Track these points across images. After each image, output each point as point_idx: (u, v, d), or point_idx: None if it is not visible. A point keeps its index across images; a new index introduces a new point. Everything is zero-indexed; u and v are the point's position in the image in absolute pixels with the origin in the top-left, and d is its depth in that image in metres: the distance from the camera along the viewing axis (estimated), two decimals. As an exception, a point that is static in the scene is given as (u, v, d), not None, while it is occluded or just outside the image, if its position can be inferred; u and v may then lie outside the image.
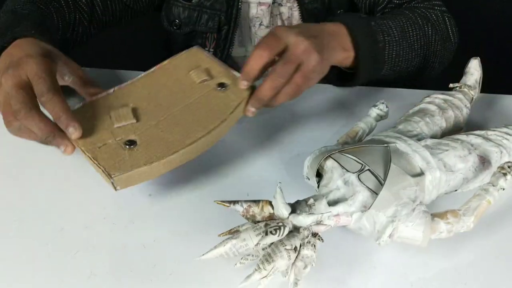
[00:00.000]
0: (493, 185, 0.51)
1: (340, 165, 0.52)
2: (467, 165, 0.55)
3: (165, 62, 0.64)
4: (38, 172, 0.61)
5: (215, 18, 0.87)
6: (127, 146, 0.54)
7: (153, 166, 0.53)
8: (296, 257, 0.46)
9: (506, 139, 0.59)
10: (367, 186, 0.50)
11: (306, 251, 0.46)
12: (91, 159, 0.53)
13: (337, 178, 0.52)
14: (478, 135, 0.58)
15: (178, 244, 0.53)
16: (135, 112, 0.57)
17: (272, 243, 0.47)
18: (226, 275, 0.50)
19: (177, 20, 0.90)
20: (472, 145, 0.57)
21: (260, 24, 0.89)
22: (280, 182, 0.49)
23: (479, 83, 0.71)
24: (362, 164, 0.52)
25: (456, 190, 0.56)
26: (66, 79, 0.60)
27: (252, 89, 0.60)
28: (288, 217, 0.48)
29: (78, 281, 0.49)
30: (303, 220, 0.48)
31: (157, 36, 1.03)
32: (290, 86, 0.59)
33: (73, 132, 0.54)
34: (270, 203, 0.49)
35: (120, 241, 0.53)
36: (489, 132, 0.59)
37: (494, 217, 0.57)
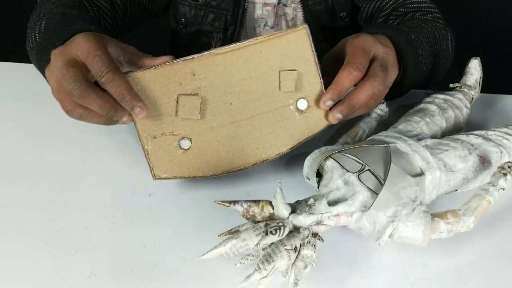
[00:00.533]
0: (493, 185, 0.51)
1: (340, 165, 0.52)
2: (467, 165, 0.55)
3: (263, 38, 0.55)
4: (38, 172, 0.61)
5: (221, 18, 0.88)
6: (180, 148, 0.54)
7: (196, 177, 0.55)
8: (296, 257, 0.46)
9: (506, 139, 0.59)
10: (367, 186, 0.50)
11: (306, 251, 0.46)
12: (143, 148, 0.54)
13: (337, 178, 0.52)
14: (478, 135, 0.58)
15: (178, 244, 0.53)
16: (203, 104, 0.54)
17: (272, 243, 0.47)
18: (226, 275, 0.50)
19: (183, 19, 0.90)
20: (472, 145, 0.57)
21: (265, 25, 0.90)
22: (280, 182, 0.49)
23: (479, 83, 0.71)
24: (362, 164, 0.52)
25: (456, 190, 0.56)
26: (121, 60, 0.55)
27: (325, 125, 0.57)
28: (288, 217, 0.48)
29: (78, 281, 0.49)
30: (303, 220, 0.48)
31: (162, 35, 1.04)
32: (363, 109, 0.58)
33: (140, 112, 0.51)
34: (270, 203, 0.49)
35: (120, 241, 0.53)
36: (489, 132, 0.59)
37: (494, 217, 0.57)
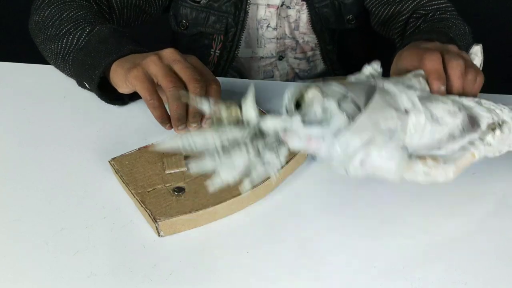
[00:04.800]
0: (480, 139, 0.49)
1: (322, 93, 0.49)
2: (455, 121, 0.52)
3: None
4: (38, 172, 0.60)
5: (222, 20, 0.88)
6: (175, 193, 0.55)
7: (198, 214, 0.53)
8: (259, 161, 0.44)
9: (500, 109, 0.56)
10: (346, 113, 0.47)
11: (269, 156, 0.44)
12: (139, 202, 0.54)
13: (316, 106, 0.49)
14: (472, 100, 0.56)
15: (178, 244, 0.53)
16: (187, 160, 0.58)
17: (234, 141, 0.45)
18: (226, 275, 0.50)
19: (184, 21, 0.90)
20: (463, 105, 0.54)
21: (268, 26, 0.90)
22: (252, 86, 0.47)
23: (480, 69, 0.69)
24: (345, 93, 0.49)
25: (439, 149, 0.53)
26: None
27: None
28: (256, 121, 0.46)
29: (78, 281, 0.49)
30: (270, 122, 0.45)
31: (162, 37, 1.03)
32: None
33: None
34: (240, 106, 0.47)
35: (120, 241, 0.53)
36: (484, 101, 0.56)
37: (494, 217, 0.57)
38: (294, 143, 0.46)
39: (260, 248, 0.52)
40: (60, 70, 0.74)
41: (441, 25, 0.78)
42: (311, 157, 0.50)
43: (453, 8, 0.83)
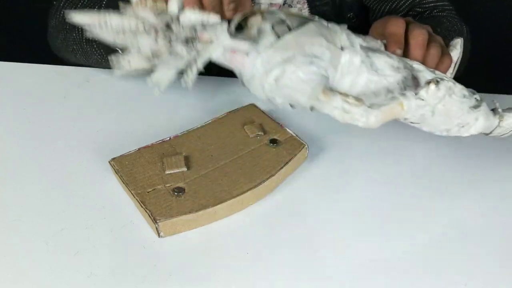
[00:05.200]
0: (414, 92, 0.48)
1: (262, 18, 0.48)
2: (396, 76, 0.50)
3: (221, 115, 0.66)
4: (38, 172, 0.60)
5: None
6: (175, 193, 0.55)
7: (198, 215, 0.53)
8: (168, 49, 0.42)
9: (454, 83, 0.52)
10: (277, 34, 0.46)
11: (180, 49, 0.42)
12: (139, 202, 0.54)
13: (254, 28, 0.48)
14: (426, 68, 0.53)
15: (178, 245, 0.53)
16: (187, 161, 0.58)
17: (149, 27, 0.44)
18: (226, 276, 0.50)
19: None
20: (412, 66, 0.52)
21: None
22: None
23: (456, 64, 0.68)
24: (284, 19, 0.48)
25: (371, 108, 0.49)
26: None
27: (303, 147, 0.61)
28: (177, 13, 0.44)
29: (78, 281, 0.49)
30: (190, 15, 0.44)
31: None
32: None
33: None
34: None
35: (120, 241, 0.53)
36: (439, 72, 0.54)
37: (494, 217, 0.57)
38: (217, 52, 0.45)
39: (260, 248, 0.52)
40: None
41: (433, 22, 0.78)
42: (241, 83, 0.49)
43: (451, 7, 0.83)
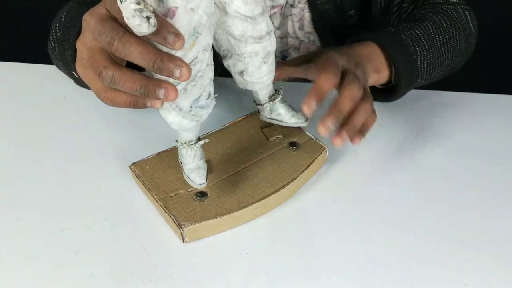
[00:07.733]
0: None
1: None
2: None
3: (239, 118, 0.65)
4: (38, 172, 0.61)
5: None
6: (198, 198, 0.54)
7: (222, 220, 0.53)
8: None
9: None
10: None
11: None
12: (162, 208, 0.53)
13: None
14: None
15: (178, 245, 0.53)
16: (208, 165, 0.57)
17: None
18: (226, 275, 0.50)
19: None
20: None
21: None
22: None
23: None
24: None
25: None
26: None
27: (323, 150, 0.60)
28: None
29: (78, 281, 0.49)
30: None
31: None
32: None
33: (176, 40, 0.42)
34: None
35: (120, 242, 0.53)
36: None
37: (494, 218, 0.57)
38: None
39: (260, 249, 0.52)
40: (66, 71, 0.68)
41: (417, 16, 0.76)
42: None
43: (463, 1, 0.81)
